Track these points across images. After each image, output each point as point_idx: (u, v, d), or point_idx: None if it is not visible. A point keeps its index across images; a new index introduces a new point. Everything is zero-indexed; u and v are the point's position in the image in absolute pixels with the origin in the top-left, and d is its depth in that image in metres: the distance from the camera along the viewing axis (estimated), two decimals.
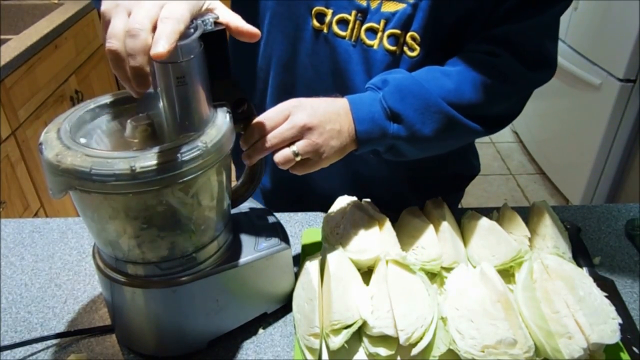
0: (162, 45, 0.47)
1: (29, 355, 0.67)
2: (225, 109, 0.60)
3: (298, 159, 0.65)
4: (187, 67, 0.53)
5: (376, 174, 0.91)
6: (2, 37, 1.87)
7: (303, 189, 0.95)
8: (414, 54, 0.76)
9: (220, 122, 0.58)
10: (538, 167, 2.82)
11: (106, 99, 0.62)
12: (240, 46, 0.89)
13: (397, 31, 0.76)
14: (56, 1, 2.17)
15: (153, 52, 0.47)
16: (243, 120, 0.64)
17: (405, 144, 0.73)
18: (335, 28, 0.78)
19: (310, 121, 0.65)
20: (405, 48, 0.77)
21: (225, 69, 0.59)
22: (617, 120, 2.14)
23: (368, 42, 0.77)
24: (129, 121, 0.61)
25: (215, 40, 0.56)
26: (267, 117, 0.65)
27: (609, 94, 2.12)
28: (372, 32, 0.77)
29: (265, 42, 0.84)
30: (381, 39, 0.77)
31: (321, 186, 0.93)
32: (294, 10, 0.79)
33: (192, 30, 0.53)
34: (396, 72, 0.75)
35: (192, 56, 0.53)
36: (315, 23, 0.78)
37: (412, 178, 0.94)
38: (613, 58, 2.09)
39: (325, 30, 0.78)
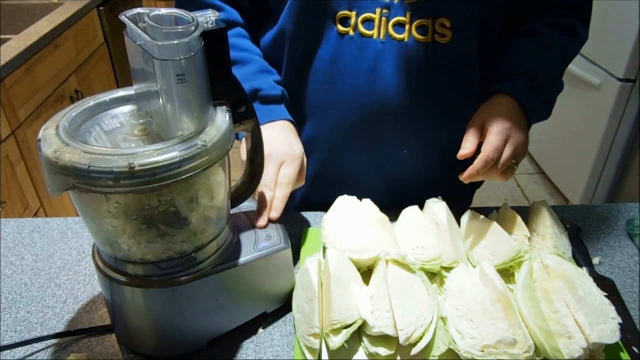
0: (274, 213, 0.72)
1: (29, 355, 0.67)
2: (225, 108, 0.60)
3: (517, 168, 0.78)
4: (188, 65, 0.53)
5: (410, 178, 0.92)
6: (2, 37, 1.87)
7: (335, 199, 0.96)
8: (446, 40, 0.77)
9: (220, 122, 0.58)
10: (538, 167, 2.81)
11: (105, 96, 0.62)
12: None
13: (425, 21, 0.76)
14: (56, 1, 2.17)
15: (271, 217, 0.71)
16: (243, 120, 0.64)
17: (539, 112, 0.84)
18: (362, 28, 0.78)
19: (525, 137, 0.77)
20: (436, 36, 0.77)
21: (225, 68, 0.59)
22: (617, 120, 2.14)
23: (398, 36, 0.78)
24: (128, 119, 0.61)
25: (216, 39, 0.56)
26: (494, 147, 0.73)
27: (609, 94, 2.12)
28: (400, 26, 0.77)
29: (289, 57, 0.84)
30: (410, 31, 0.77)
31: (357, 187, 0.93)
32: (315, 20, 0.79)
33: (193, 28, 0.53)
34: (528, 59, 0.82)
35: (192, 54, 0.53)
36: (340, 28, 0.78)
37: (446, 181, 0.94)
38: (613, 58, 2.09)
39: (351, 33, 0.78)
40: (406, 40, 0.77)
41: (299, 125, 0.90)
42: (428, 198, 0.84)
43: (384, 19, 0.77)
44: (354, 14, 0.78)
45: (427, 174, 0.92)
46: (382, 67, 0.79)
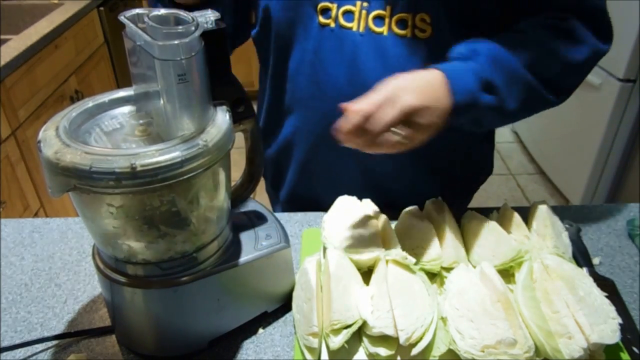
0: None
1: (30, 356, 0.67)
2: (225, 107, 0.60)
3: (406, 142, 0.65)
4: (189, 65, 0.53)
5: (392, 175, 0.91)
6: (2, 37, 1.87)
7: (321, 194, 0.95)
8: (425, 35, 0.76)
9: (221, 121, 0.58)
10: (538, 167, 2.81)
11: (105, 97, 0.62)
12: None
13: (405, 15, 0.76)
14: (56, 1, 2.17)
15: None
16: (242, 119, 0.64)
17: (491, 116, 0.73)
18: (342, 20, 0.78)
19: (418, 103, 0.64)
20: (415, 30, 0.77)
21: (225, 67, 0.59)
22: (617, 120, 2.14)
23: (377, 29, 0.77)
24: (128, 120, 0.61)
25: (216, 39, 0.56)
26: (373, 102, 0.63)
27: (609, 94, 2.11)
28: (379, 19, 0.77)
29: (275, 48, 0.84)
30: (389, 24, 0.77)
31: (338, 180, 0.93)
32: (298, 11, 0.79)
33: (193, 28, 0.53)
34: (481, 41, 0.74)
35: (193, 54, 0.53)
36: (321, 19, 0.79)
37: (434, 180, 0.93)
38: (613, 58, 2.08)
39: (332, 25, 0.78)
40: (385, 33, 0.77)
41: (284, 117, 0.90)
42: (411, 197, 0.83)
43: (363, 11, 0.77)
44: (334, 5, 0.78)
45: (407, 170, 0.91)
46: (360, 60, 0.79)
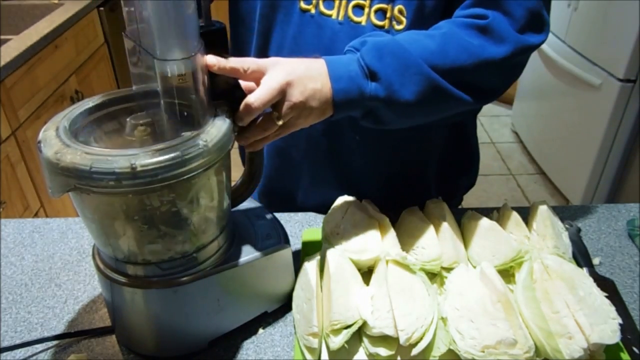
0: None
1: (30, 356, 0.67)
2: (225, 107, 0.60)
3: (280, 123, 0.63)
4: (188, 65, 0.53)
5: (368, 175, 0.91)
6: (2, 37, 1.87)
7: (296, 192, 0.95)
8: (401, 27, 0.76)
9: (221, 121, 0.58)
10: (538, 167, 2.81)
11: (105, 97, 0.62)
12: (235, 45, 0.90)
13: (384, 5, 0.76)
14: (56, 1, 2.17)
15: None
16: None
17: (384, 108, 0.69)
18: (322, 7, 0.78)
19: (290, 78, 0.63)
20: (393, 22, 0.76)
21: None
22: (617, 120, 2.14)
23: (355, 18, 0.77)
24: (128, 120, 0.61)
25: (216, 39, 0.57)
26: (245, 84, 0.62)
27: (609, 94, 2.12)
28: (359, 8, 0.77)
29: (258, 33, 0.84)
30: (368, 14, 0.76)
31: (313, 191, 0.93)
32: None
33: None
34: (377, 34, 0.73)
35: (192, 54, 0.53)
36: (302, 4, 0.79)
37: (405, 176, 0.93)
38: (613, 58, 2.09)
39: (312, 11, 0.78)
40: (364, 23, 0.77)
41: None
42: (385, 194, 0.82)
43: (344, 0, 0.77)
44: None
45: (380, 166, 0.91)
46: (337, 49, 0.78)
